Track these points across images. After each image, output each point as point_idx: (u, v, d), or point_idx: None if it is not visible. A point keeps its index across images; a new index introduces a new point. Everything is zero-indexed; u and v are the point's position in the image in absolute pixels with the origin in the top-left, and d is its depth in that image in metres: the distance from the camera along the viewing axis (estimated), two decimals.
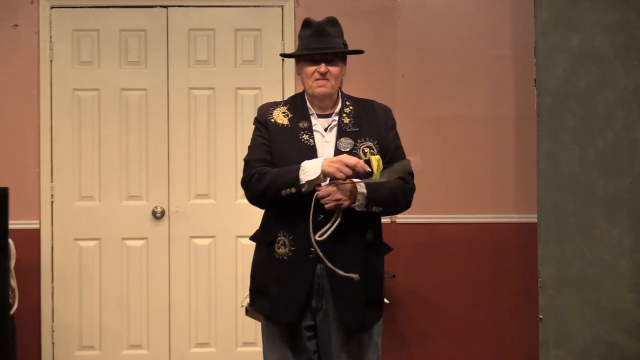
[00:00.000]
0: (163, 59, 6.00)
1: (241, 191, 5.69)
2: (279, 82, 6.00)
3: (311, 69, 3.76)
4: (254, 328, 5.83)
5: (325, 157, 3.68)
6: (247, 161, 3.82)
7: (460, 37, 5.98)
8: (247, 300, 4.10)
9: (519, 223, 5.90)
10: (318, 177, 3.58)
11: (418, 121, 5.92)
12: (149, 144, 5.99)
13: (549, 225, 4.52)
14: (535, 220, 4.72)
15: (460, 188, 5.96)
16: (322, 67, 3.74)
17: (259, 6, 6.01)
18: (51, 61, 5.96)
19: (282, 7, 6.00)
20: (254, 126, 3.89)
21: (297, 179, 3.59)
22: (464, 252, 5.95)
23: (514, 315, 5.93)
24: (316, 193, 3.60)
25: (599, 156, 4.47)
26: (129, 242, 5.99)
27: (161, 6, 6.00)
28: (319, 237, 3.60)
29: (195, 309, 5.99)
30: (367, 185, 3.63)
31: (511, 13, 5.95)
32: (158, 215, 5.97)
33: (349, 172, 3.56)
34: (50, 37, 5.96)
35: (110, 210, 5.98)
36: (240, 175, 5.83)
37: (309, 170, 3.59)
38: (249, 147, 3.87)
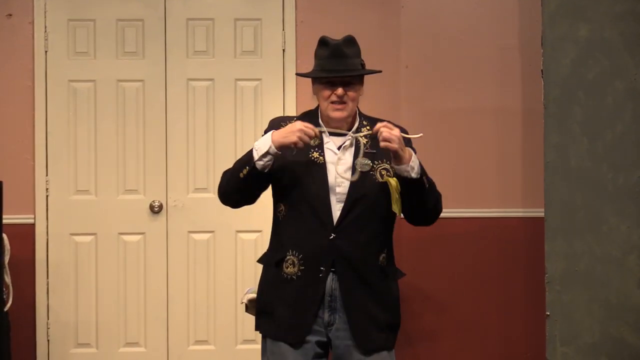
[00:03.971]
0: (161, 50, 5.96)
1: None
2: (279, 73, 5.95)
3: (327, 92, 3.67)
4: (254, 325, 5.72)
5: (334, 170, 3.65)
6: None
7: (465, 26, 5.94)
8: (247, 296, 4.11)
9: (525, 217, 5.86)
10: (269, 150, 3.55)
11: (422, 113, 5.89)
12: (146, 137, 5.96)
13: (557, 220, 4.59)
14: (542, 214, 4.73)
15: (466, 181, 5.92)
16: (340, 91, 3.64)
17: None
18: (46, 52, 5.91)
19: None
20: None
21: (251, 158, 3.58)
22: (469, 247, 5.92)
23: (520, 311, 5.90)
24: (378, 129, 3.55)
25: (607, 149, 4.53)
26: (126, 237, 5.95)
27: None
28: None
29: (194, 306, 5.96)
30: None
31: (518, 1, 5.91)
32: (156, 210, 5.92)
33: (311, 133, 3.55)
34: (45, 27, 5.91)
35: (106, 204, 5.95)
36: None
37: (260, 147, 3.58)
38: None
